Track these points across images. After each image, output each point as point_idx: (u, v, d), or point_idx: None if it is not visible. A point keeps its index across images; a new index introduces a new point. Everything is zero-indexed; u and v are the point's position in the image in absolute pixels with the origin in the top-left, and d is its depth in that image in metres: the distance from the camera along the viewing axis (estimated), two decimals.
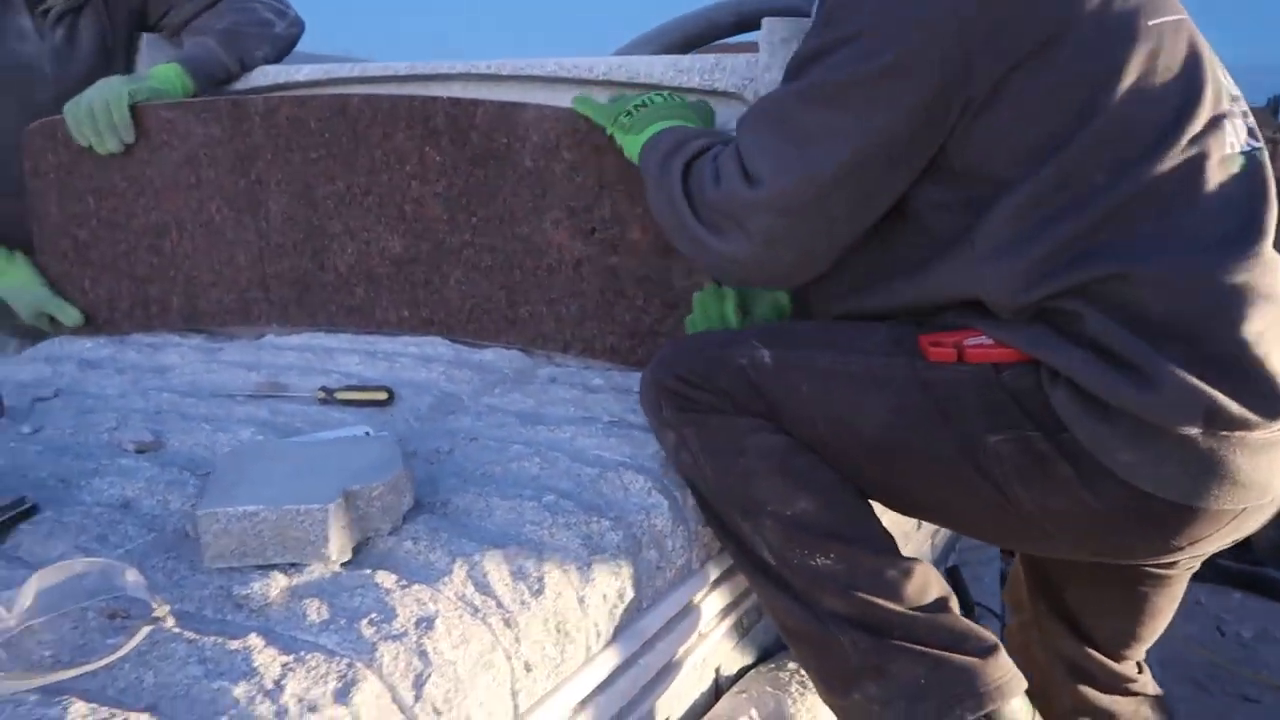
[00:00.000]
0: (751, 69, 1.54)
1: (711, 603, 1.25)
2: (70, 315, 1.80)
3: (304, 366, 1.51)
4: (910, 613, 1.08)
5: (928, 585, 1.12)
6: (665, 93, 1.40)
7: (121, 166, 1.73)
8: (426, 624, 0.86)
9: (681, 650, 1.20)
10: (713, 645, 1.27)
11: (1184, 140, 1.02)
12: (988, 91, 1.01)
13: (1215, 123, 1.04)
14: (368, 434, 1.17)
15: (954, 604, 1.12)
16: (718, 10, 1.89)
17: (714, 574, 1.24)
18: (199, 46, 1.80)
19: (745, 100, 1.55)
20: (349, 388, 1.37)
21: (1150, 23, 1.04)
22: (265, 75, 1.83)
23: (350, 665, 0.79)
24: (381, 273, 1.65)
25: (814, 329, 1.22)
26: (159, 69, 1.74)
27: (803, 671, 1.25)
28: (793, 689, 1.28)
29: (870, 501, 1.17)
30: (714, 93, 1.56)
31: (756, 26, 1.60)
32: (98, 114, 1.66)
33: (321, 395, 1.37)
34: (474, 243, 1.58)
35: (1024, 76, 1.01)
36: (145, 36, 1.94)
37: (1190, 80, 1.05)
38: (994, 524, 1.16)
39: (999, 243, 1.04)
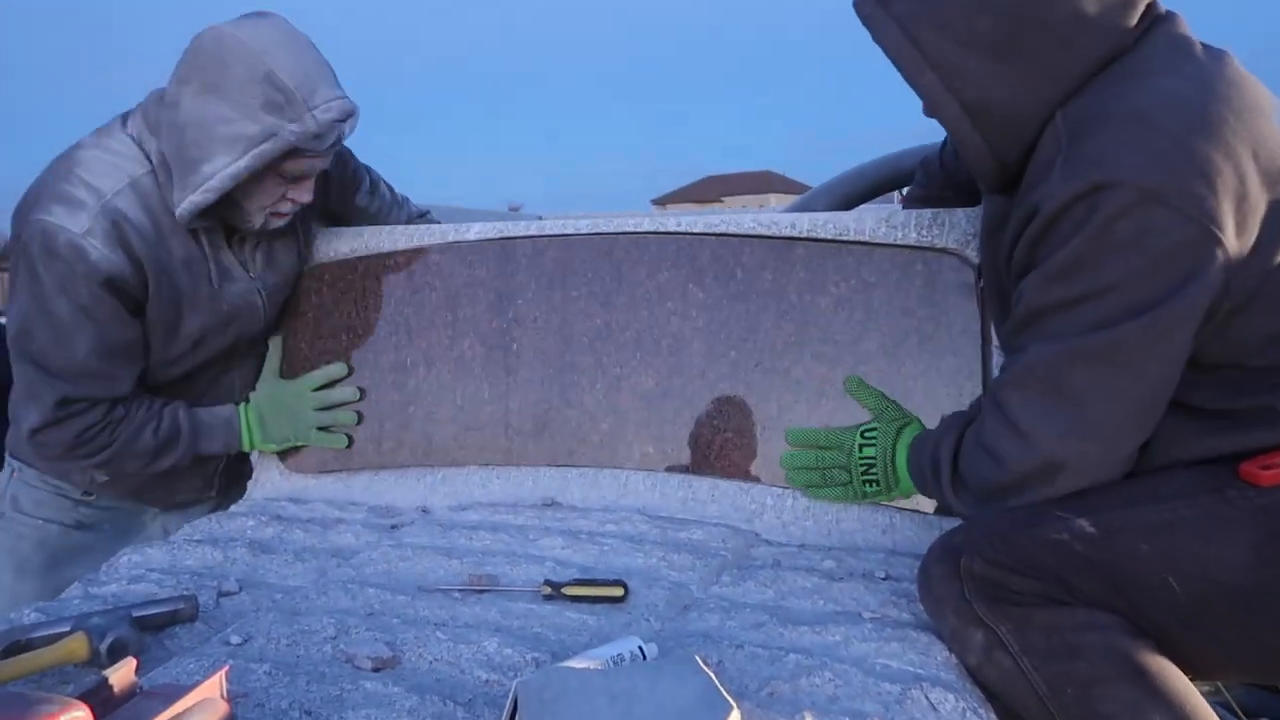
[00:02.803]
0: (975, 223, 1.46)
1: None
2: (343, 441, 1.75)
3: (506, 552, 1.39)
4: None
5: None
6: (855, 434, 1.42)
7: (384, 309, 1.76)
8: None
9: None
10: None
11: None
12: (1243, 300, 1.02)
13: None
14: (641, 649, 1.03)
15: None
16: (904, 159, 1.84)
17: None
18: None
19: (966, 258, 1.47)
20: (578, 582, 1.24)
21: None
22: (435, 234, 1.77)
23: None
24: (629, 408, 1.60)
25: (1116, 489, 1.10)
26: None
27: None
28: None
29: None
30: (933, 249, 1.48)
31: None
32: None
33: (547, 590, 1.23)
34: (730, 377, 1.56)
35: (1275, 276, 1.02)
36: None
37: None
38: None
39: None
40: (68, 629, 1.10)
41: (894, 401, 1.43)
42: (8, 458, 1.74)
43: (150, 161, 1.52)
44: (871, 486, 1.37)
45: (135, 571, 1.39)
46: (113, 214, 1.48)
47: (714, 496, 1.55)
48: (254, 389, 1.76)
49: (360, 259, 1.79)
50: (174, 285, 1.57)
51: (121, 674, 0.82)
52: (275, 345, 1.78)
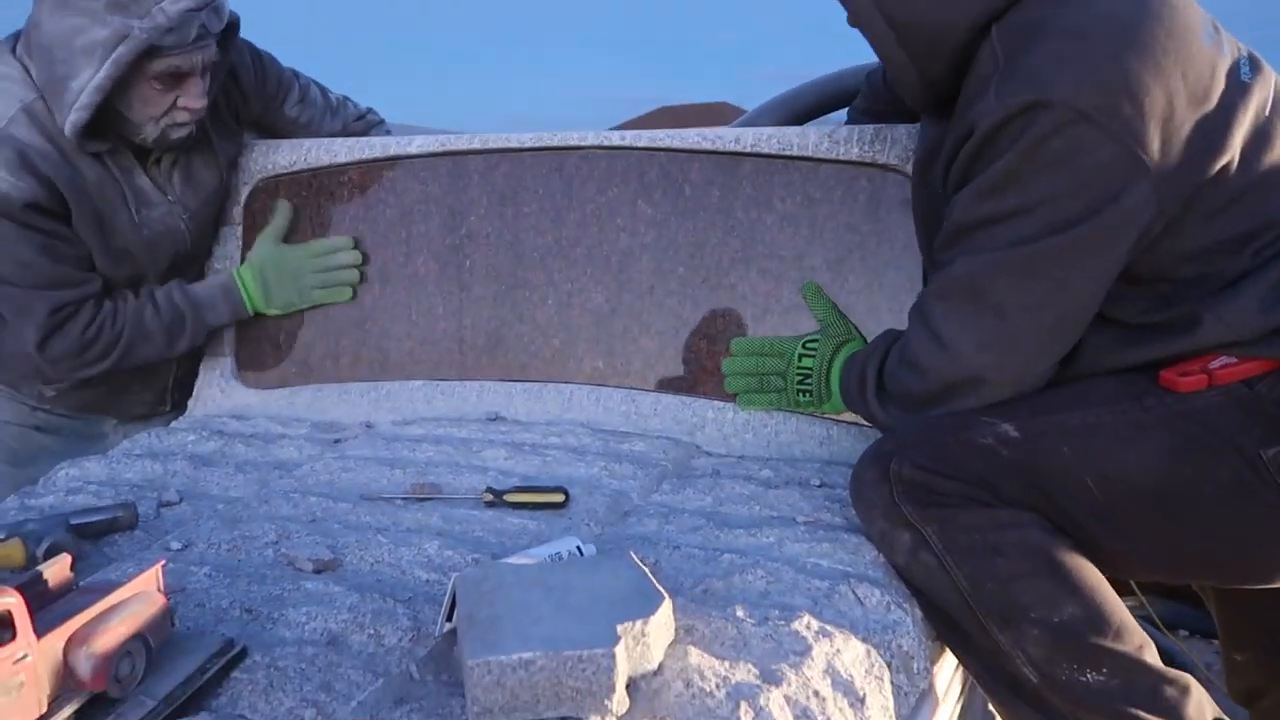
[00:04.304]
0: (916, 139, 1.47)
1: None
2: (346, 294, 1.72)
3: (448, 463, 1.40)
4: None
5: (1203, 706, 1.02)
6: (798, 344, 1.42)
7: (338, 223, 1.73)
8: None
9: None
10: None
11: None
12: (1174, 217, 1.05)
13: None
14: (579, 548, 1.05)
15: None
16: (848, 77, 1.83)
17: (955, 694, 1.12)
18: None
19: (908, 174, 1.48)
20: (519, 489, 1.25)
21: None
22: (376, 147, 1.74)
23: None
24: (579, 324, 1.61)
25: (1043, 396, 1.14)
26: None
27: None
28: None
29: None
30: (875, 165, 1.49)
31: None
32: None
33: (489, 497, 1.25)
34: (678, 293, 1.57)
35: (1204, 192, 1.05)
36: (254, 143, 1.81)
37: None
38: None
39: (1225, 298, 1.06)
40: (2, 536, 1.10)
41: (843, 317, 1.44)
42: None
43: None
44: (804, 396, 1.39)
45: (73, 484, 1.38)
46: (11, 142, 1.45)
47: (656, 411, 1.57)
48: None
49: (313, 172, 1.75)
50: (94, 208, 1.54)
51: (56, 569, 0.82)
52: (284, 208, 1.73)
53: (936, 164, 1.18)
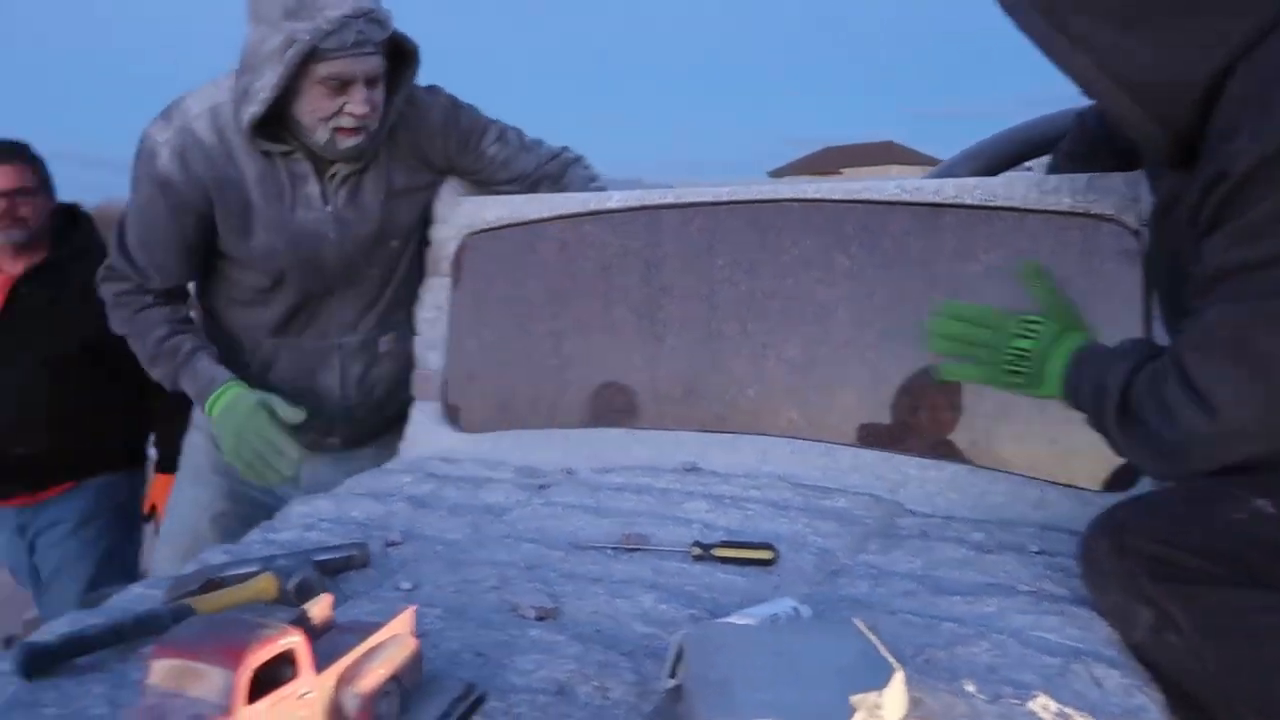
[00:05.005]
0: (1134, 187, 1.41)
1: None
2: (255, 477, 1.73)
3: (652, 513, 1.42)
4: None
5: None
6: (1014, 320, 1.29)
7: (540, 274, 1.83)
8: None
9: None
10: None
11: None
12: None
13: None
14: (796, 609, 1.04)
15: None
16: (1046, 124, 1.77)
17: None
18: None
19: (1125, 224, 1.41)
20: (726, 544, 1.26)
21: None
22: (576, 203, 1.81)
23: None
24: (774, 375, 1.63)
25: None
26: None
27: None
28: None
29: None
30: (1089, 215, 1.43)
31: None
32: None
33: (697, 551, 1.26)
34: (878, 346, 1.55)
35: None
36: (448, 184, 1.94)
37: None
38: None
39: None
40: (256, 569, 1.19)
41: (1069, 301, 1.32)
42: None
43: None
44: (1015, 377, 1.27)
45: (307, 521, 1.49)
46: (186, 134, 1.72)
47: (856, 465, 1.54)
48: (349, 334, 1.88)
49: (513, 226, 1.85)
50: (243, 199, 1.75)
51: (319, 608, 0.88)
52: (294, 414, 1.73)
53: (1177, 211, 1.12)
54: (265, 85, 1.62)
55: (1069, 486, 1.40)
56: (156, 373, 1.85)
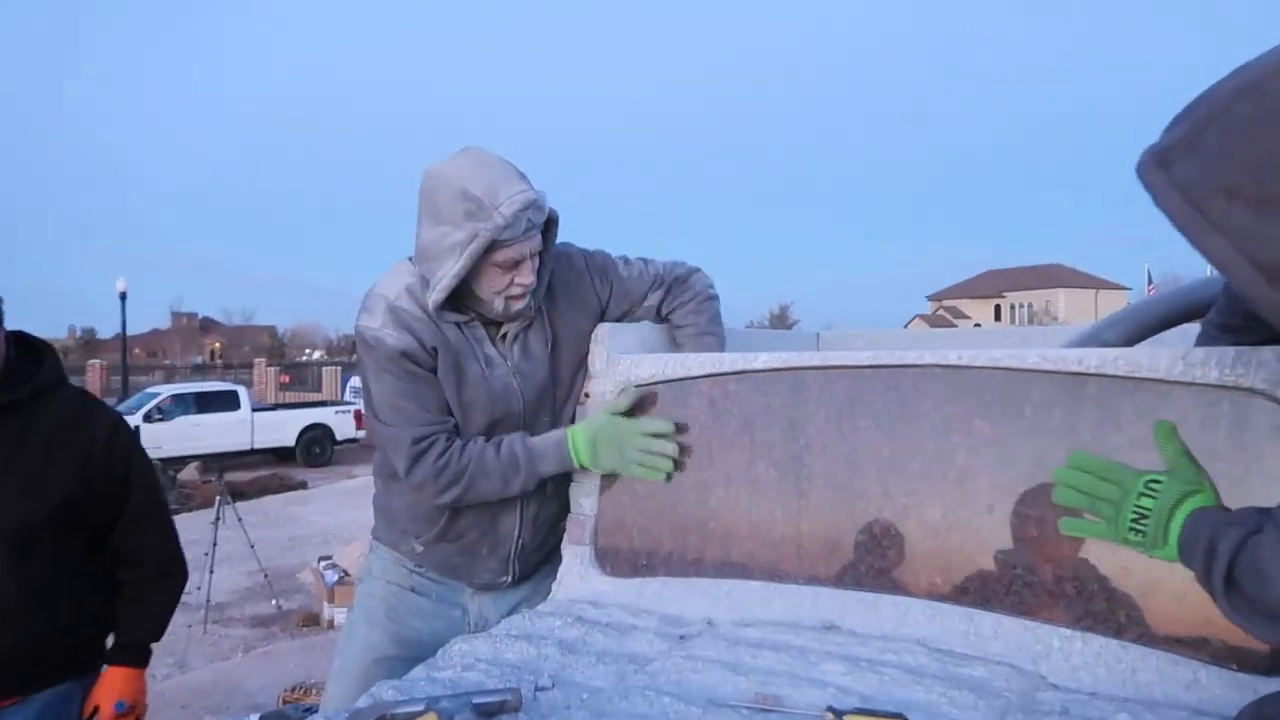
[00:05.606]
0: None
1: None
2: (659, 474, 1.93)
3: (787, 673, 1.47)
4: None
5: None
6: (1141, 479, 1.34)
7: (689, 428, 1.96)
8: None
9: None
10: None
11: None
12: None
13: None
14: None
15: None
16: (1193, 292, 1.77)
17: None
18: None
19: (1277, 399, 1.40)
20: (860, 711, 1.29)
21: None
22: (725, 363, 1.93)
23: None
24: (914, 537, 1.67)
25: None
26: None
27: None
28: None
29: None
30: (1239, 389, 1.42)
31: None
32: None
33: (830, 717, 1.30)
34: (1020, 514, 1.57)
35: None
36: (606, 326, 2.13)
37: None
38: None
39: None
40: (422, 709, 1.32)
41: (1195, 462, 1.35)
42: (371, 539, 2.21)
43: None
44: (1136, 535, 1.30)
45: (466, 660, 1.61)
46: (394, 310, 1.94)
47: (997, 633, 1.54)
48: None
49: (667, 383, 1.99)
50: (454, 360, 1.97)
51: None
52: (630, 391, 1.98)
53: None
54: (448, 273, 1.86)
55: (1223, 669, 1.35)
56: (516, 485, 1.97)
